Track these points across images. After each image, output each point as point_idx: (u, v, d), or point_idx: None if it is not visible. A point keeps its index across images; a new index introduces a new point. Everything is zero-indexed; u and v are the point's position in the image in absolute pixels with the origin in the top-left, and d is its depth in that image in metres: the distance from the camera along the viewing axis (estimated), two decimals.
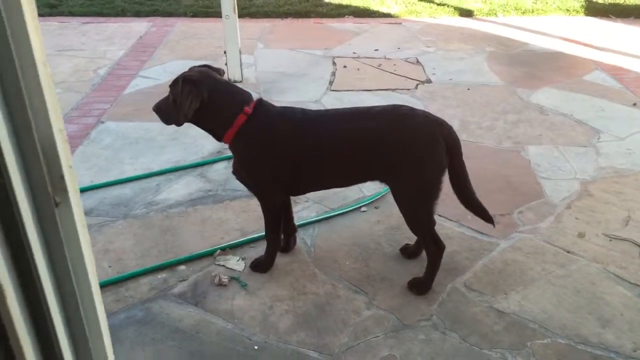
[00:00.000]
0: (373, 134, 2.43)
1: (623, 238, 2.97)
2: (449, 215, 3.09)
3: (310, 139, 2.48)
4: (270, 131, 2.49)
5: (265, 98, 2.63)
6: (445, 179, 2.50)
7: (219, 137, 2.53)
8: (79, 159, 3.73)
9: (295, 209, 3.05)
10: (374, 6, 7.31)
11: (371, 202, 3.28)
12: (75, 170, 0.75)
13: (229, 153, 3.21)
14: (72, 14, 6.86)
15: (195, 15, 6.96)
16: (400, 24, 6.80)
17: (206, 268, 2.77)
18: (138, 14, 6.92)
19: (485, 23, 6.82)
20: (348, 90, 4.85)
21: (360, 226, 3.09)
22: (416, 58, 5.63)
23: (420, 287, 2.61)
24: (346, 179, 2.67)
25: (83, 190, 3.38)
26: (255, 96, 2.57)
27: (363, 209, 3.24)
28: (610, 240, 2.96)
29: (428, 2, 7.44)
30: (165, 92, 2.55)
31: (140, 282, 2.68)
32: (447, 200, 2.69)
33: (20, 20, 0.48)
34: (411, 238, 2.83)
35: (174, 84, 2.43)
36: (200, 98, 2.38)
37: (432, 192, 2.46)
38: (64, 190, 0.55)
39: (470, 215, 2.71)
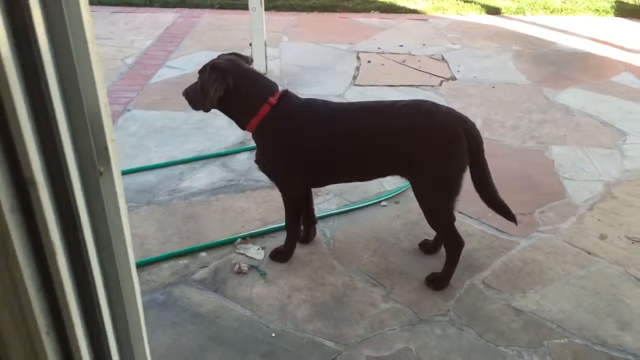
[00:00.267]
0: (395, 129, 2.44)
1: None
2: (469, 213, 3.09)
3: (332, 131, 2.50)
4: (293, 122, 2.51)
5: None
6: (467, 177, 2.50)
7: (242, 126, 2.57)
8: None
9: (316, 200, 3.07)
10: (401, 2, 7.28)
11: (392, 196, 3.29)
12: None
13: (252, 144, 3.25)
14: (101, 3, 6.96)
15: (222, 7, 7.01)
16: (426, 20, 6.77)
17: (226, 256, 2.81)
18: (166, 5, 7.00)
19: (512, 21, 6.75)
20: (372, 85, 4.86)
21: (379, 220, 3.11)
22: (441, 55, 5.60)
23: (438, 282, 2.62)
24: (367, 173, 2.69)
25: None
26: (281, 88, 2.59)
27: (383, 203, 3.25)
28: (633, 243, 2.93)
29: None
30: (190, 82, 2.60)
31: (162, 267, 2.73)
32: (468, 198, 2.68)
33: (74, 2, 0.52)
34: (430, 234, 2.84)
35: (202, 70, 2.47)
36: (226, 85, 2.41)
37: (453, 188, 2.46)
38: (107, 161, 0.59)
39: (491, 213, 2.71)
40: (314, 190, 2.90)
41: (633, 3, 7.24)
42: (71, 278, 0.57)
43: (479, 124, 2.89)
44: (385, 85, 4.86)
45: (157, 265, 2.73)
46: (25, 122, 0.48)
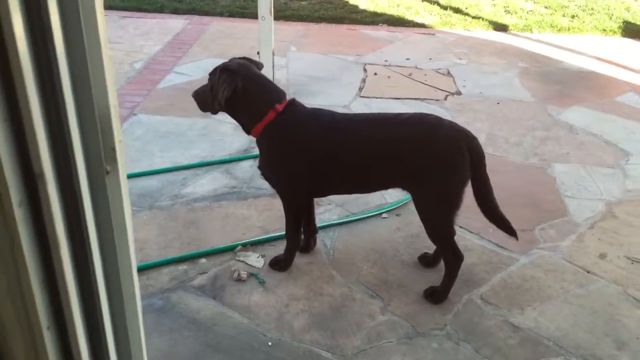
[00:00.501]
0: (398, 141, 2.46)
1: None
2: (470, 228, 3.09)
3: (335, 141, 2.51)
4: (298, 130, 2.53)
5: None
6: (469, 191, 2.51)
7: (247, 130, 2.59)
8: None
9: (318, 210, 3.09)
10: (409, 16, 7.32)
11: (393, 209, 3.30)
12: None
13: (256, 151, 3.26)
14: (111, 7, 7.02)
15: (231, 15, 7.06)
16: (433, 34, 6.81)
17: (226, 262, 2.82)
18: (176, 11, 7.05)
19: (519, 39, 6.78)
20: (377, 97, 4.88)
21: (380, 232, 3.12)
22: (447, 69, 5.63)
23: (436, 296, 2.62)
24: (369, 184, 2.70)
25: None
26: (289, 96, 2.61)
27: (384, 215, 3.26)
28: (632, 263, 2.93)
29: (463, 14, 7.43)
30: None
31: (162, 271, 2.74)
32: (469, 213, 2.69)
33: (90, 6, 0.54)
34: (430, 247, 2.84)
35: (213, 72, 2.50)
36: (234, 87, 2.43)
37: (454, 202, 2.47)
38: (114, 161, 0.60)
39: (492, 229, 2.72)
40: (315, 200, 2.91)
41: None
42: (73, 272, 0.58)
43: (482, 140, 2.91)
44: (391, 98, 4.89)
45: (156, 270, 2.74)
46: (37, 118, 0.49)
